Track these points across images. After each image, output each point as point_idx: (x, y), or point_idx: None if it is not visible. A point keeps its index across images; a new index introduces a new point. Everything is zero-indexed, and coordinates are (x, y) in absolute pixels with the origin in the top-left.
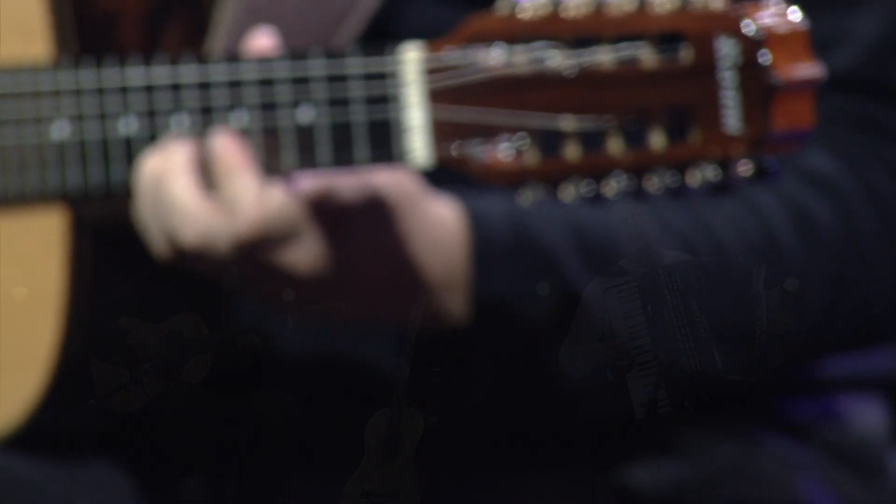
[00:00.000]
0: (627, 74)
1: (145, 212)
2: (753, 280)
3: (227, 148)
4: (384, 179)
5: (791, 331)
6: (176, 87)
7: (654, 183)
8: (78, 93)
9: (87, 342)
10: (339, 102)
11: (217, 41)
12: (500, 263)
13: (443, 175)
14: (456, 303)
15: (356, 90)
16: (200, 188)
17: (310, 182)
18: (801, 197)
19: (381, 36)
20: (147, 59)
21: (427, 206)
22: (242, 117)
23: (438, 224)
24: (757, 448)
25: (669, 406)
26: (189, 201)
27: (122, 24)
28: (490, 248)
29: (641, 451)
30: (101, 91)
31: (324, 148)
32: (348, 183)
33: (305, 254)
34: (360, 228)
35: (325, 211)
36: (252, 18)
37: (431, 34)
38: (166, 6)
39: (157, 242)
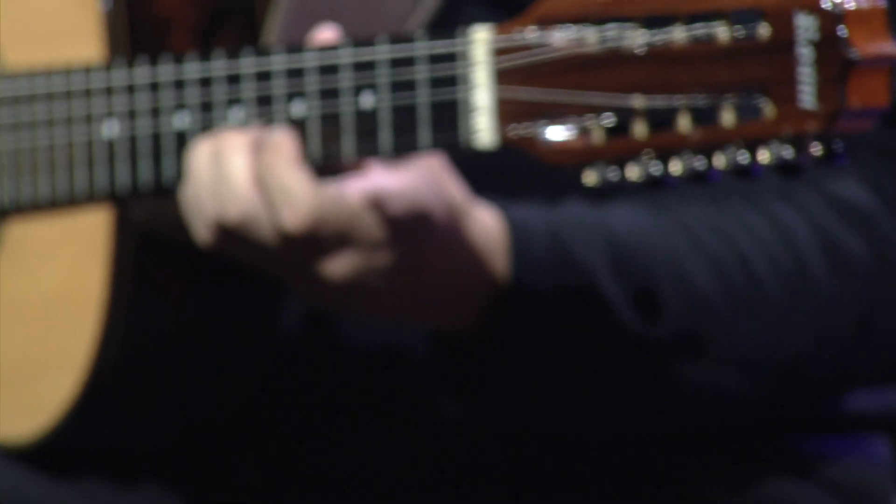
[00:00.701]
0: (701, 52)
1: (195, 191)
2: (783, 311)
3: (285, 139)
4: (430, 193)
5: (819, 364)
6: (233, 79)
7: (724, 161)
8: (130, 89)
9: (125, 348)
10: (403, 86)
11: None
12: (538, 277)
13: (484, 182)
14: (492, 311)
15: (422, 72)
16: (254, 171)
17: (361, 188)
18: (833, 229)
19: None
20: (202, 55)
21: (471, 219)
22: (301, 106)
23: (482, 236)
24: (757, 484)
25: (674, 429)
26: (241, 178)
27: (174, 32)
28: (529, 261)
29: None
30: (154, 86)
31: (386, 133)
32: (399, 195)
33: (349, 262)
34: (406, 243)
35: (373, 221)
36: (304, 31)
37: None
38: (219, 17)
39: (202, 224)
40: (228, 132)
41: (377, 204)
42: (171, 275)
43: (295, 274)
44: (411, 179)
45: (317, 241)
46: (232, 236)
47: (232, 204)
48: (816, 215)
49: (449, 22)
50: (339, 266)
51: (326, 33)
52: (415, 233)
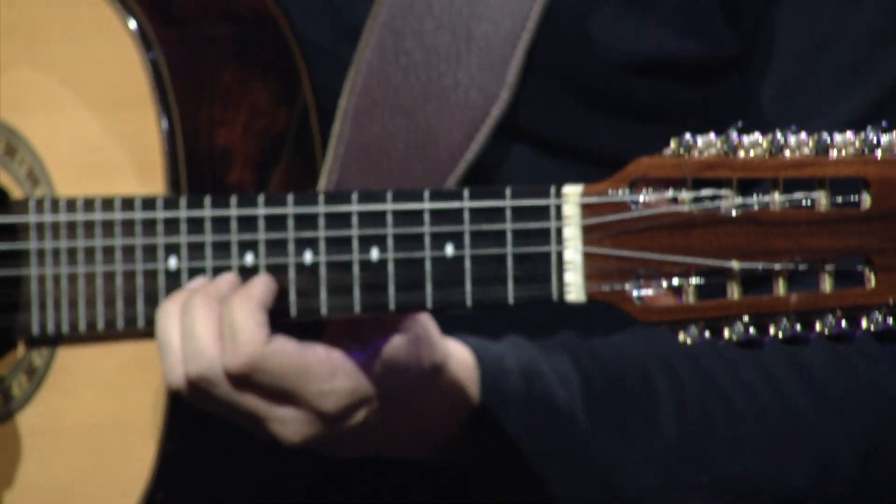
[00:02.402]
0: (800, 218)
1: (163, 347)
2: (768, 446)
3: (257, 282)
4: (392, 372)
5: (821, 499)
6: (305, 219)
7: (822, 327)
8: (195, 224)
9: (180, 472)
10: (486, 237)
11: (323, 183)
12: (511, 415)
13: (454, 318)
14: (464, 442)
15: (510, 225)
16: (219, 328)
17: (323, 353)
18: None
19: (483, 181)
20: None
21: (444, 373)
22: (376, 253)
23: (453, 386)
24: None
25: None
26: (203, 335)
27: (232, 164)
28: (502, 398)
29: None
30: (219, 222)
31: (467, 284)
32: (350, 375)
33: (295, 418)
34: (349, 417)
35: (319, 389)
36: (359, 166)
37: (530, 181)
38: (277, 150)
39: (171, 378)
40: (200, 284)
41: (330, 375)
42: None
43: (253, 425)
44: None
45: (258, 387)
46: (197, 389)
47: (194, 361)
48: (796, 353)
49: (497, 160)
50: (285, 421)
51: None
52: (357, 409)
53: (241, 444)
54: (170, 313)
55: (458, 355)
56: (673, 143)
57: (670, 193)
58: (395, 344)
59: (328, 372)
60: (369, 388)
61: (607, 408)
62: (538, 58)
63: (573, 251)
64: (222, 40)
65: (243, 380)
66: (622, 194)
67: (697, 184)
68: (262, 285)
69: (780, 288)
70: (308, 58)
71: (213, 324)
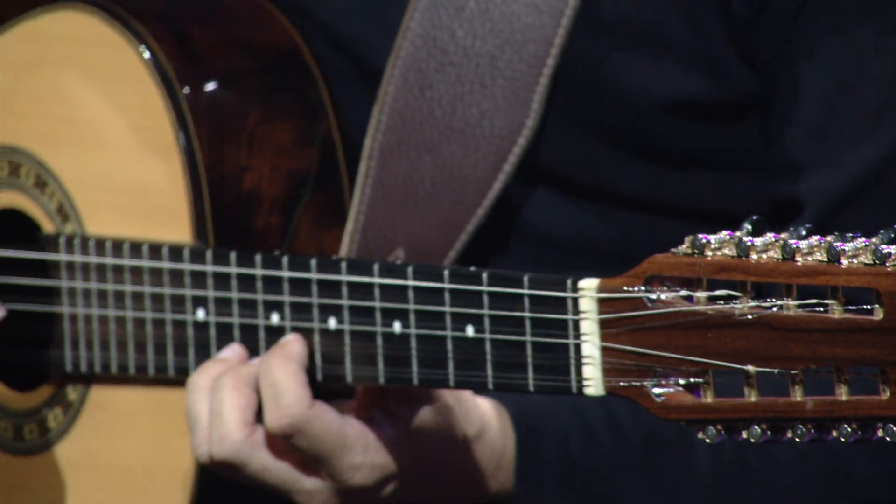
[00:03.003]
0: (813, 325)
1: (191, 422)
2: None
3: (292, 341)
4: (417, 452)
5: None
6: (329, 285)
7: (838, 434)
8: (222, 277)
9: None
10: (506, 322)
11: (351, 224)
12: (547, 480)
13: None
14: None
15: (527, 313)
16: (245, 414)
17: (358, 426)
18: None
19: (505, 227)
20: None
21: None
22: (398, 325)
23: (489, 445)
24: None
25: None
26: (231, 419)
27: (259, 208)
28: (539, 463)
29: None
30: (244, 278)
31: (488, 368)
32: (381, 450)
33: (320, 487)
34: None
35: (350, 463)
36: (386, 205)
37: (552, 229)
38: (303, 189)
39: (197, 453)
40: (232, 364)
41: (364, 448)
42: None
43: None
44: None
45: (295, 450)
46: (222, 469)
47: (219, 444)
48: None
49: (522, 199)
50: (312, 493)
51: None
52: (385, 485)
53: (271, 497)
54: (199, 387)
55: (495, 424)
56: (687, 242)
57: (685, 292)
58: (426, 415)
59: (363, 445)
60: (399, 464)
61: (644, 462)
62: (558, 97)
63: (591, 346)
64: (246, 79)
65: (283, 441)
66: (638, 291)
67: (712, 284)
68: (298, 344)
69: (797, 394)
70: (332, 94)
71: (241, 408)
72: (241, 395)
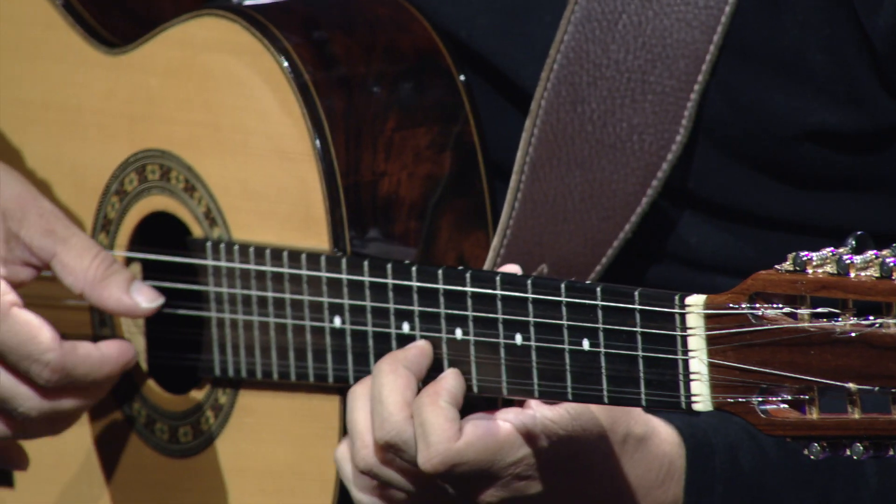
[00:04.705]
0: None
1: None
2: None
3: (446, 377)
4: (590, 424)
5: None
6: (455, 296)
7: None
8: (357, 286)
9: None
10: (619, 336)
11: (497, 240)
12: (717, 492)
13: None
14: None
15: (638, 328)
16: (405, 396)
17: (515, 419)
18: None
19: (647, 244)
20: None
21: (647, 447)
22: (518, 336)
23: (658, 462)
24: None
25: None
26: (391, 401)
27: (397, 214)
28: (709, 476)
29: None
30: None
31: (603, 381)
32: (552, 429)
33: (493, 493)
34: (558, 473)
35: (521, 454)
36: (535, 220)
37: (693, 246)
38: (442, 194)
39: (360, 445)
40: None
41: (529, 437)
42: None
43: (445, 498)
44: (570, 409)
45: (454, 478)
46: (385, 455)
47: (381, 428)
48: None
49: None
50: (483, 495)
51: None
52: (569, 462)
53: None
54: (356, 395)
55: (663, 431)
56: (789, 259)
57: (788, 309)
58: (588, 407)
59: (519, 440)
60: (559, 452)
61: (813, 478)
62: (700, 117)
63: (699, 362)
64: (385, 85)
65: (440, 477)
66: (742, 307)
67: (815, 302)
68: (452, 380)
69: None
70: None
71: (401, 389)
72: (400, 377)
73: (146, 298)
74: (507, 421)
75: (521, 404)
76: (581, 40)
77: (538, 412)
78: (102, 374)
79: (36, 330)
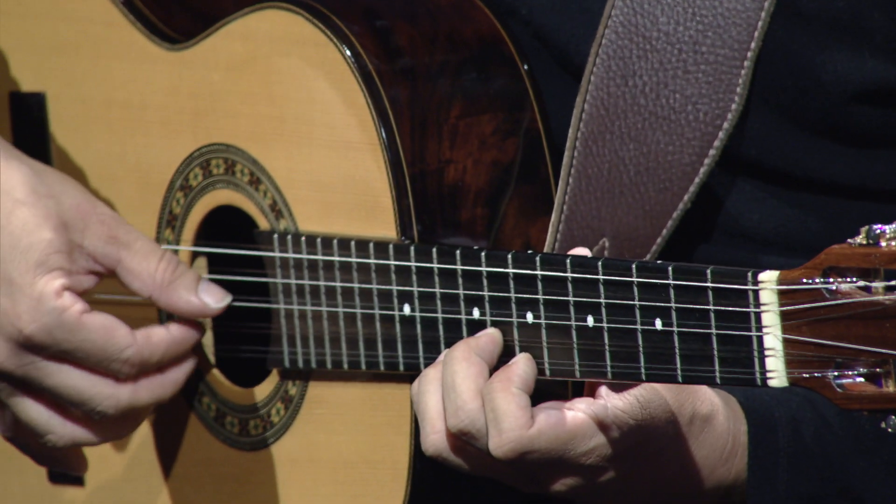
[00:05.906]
0: None
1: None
2: None
3: (518, 362)
4: (658, 410)
5: None
6: (525, 279)
7: None
8: (426, 274)
9: None
10: (691, 314)
11: (555, 215)
12: (781, 466)
13: None
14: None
15: (711, 305)
16: (477, 384)
17: (586, 409)
18: None
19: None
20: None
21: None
22: (590, 319)
23: (720, 441)
24: None
25: None
26: (463, 389)
27: (463, 201)
28: (772, 450)
29: None
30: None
31: (677, 360)
32: (621, 417)
33: (564, 481)
34: (629, 459)
35: (593, 443)
36: (590, 195)
37: (752, 217)
38: (508, 180)
39: (429, 429)
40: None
41: (601, 427)
42: None
43: (515, 482)
44: (639, 397)
45: (524, 465)
46: (458, 446)
47: (454, 416)
48: None
49: (725, 190)
50: (553, 484)
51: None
52: (639, 449)
53: (490, 484)
54: (428, 378)
55: (723, 408)
56: (862, 233)
57: (862, 282)
58: (658, 391)
59: (590, 431)
60: (630, 440)
61: (877, 447)
62: (756, 84)
63: (773, 338)
64: (449, 73)
65: (510, 463)
66: (816, 282)
67: (888, 273)
68: (524, 364)
69: None
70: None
71: (474, 376)
72: (473, 365)
73: (215, 299)
74: (579, 411)
75: (590, 392)
76: (629, 14)
77: (609, 402)
78: (179, 353)
79: (111, 331)
